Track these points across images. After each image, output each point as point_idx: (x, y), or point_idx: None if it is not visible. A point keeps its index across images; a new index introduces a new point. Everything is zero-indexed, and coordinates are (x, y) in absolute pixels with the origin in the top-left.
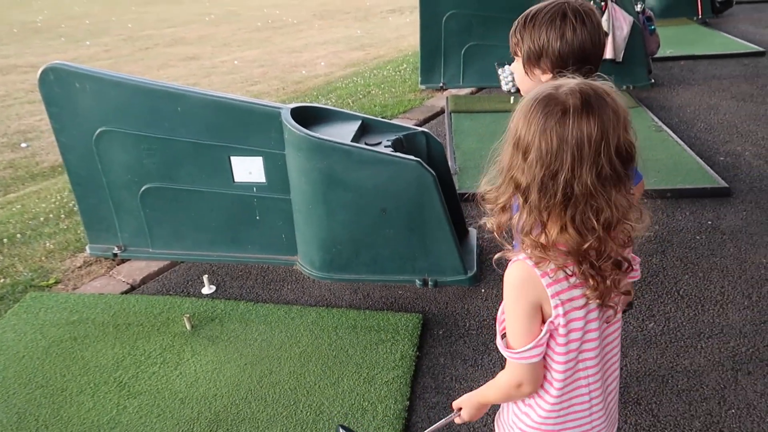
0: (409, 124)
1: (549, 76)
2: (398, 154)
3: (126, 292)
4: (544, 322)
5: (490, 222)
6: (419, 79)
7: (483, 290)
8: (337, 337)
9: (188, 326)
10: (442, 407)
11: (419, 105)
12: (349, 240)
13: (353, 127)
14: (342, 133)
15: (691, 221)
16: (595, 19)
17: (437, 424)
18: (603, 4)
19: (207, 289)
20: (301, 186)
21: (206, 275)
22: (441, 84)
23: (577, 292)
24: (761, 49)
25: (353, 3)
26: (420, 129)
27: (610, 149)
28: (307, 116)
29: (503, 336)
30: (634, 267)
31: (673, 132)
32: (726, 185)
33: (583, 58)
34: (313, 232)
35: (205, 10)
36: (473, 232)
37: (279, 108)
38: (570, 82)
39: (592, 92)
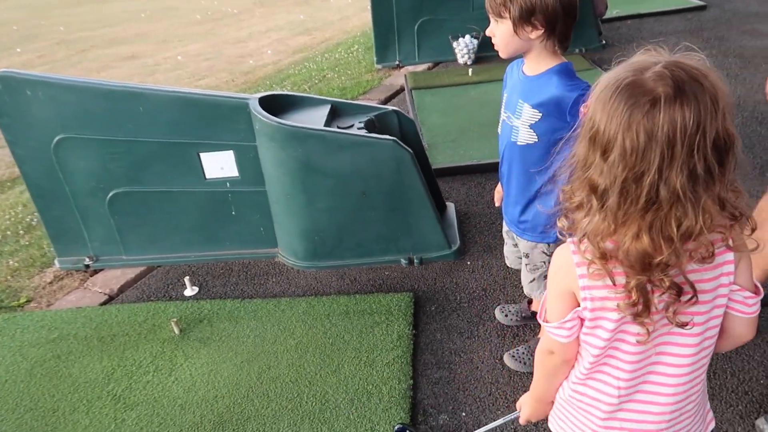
0: (369, 104)
1: (540, 32)
2: (373, 134)
3: (104, 303)
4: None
5: (561, 222)
6: (375, 58)
7: (469, 262)
8: (331, 325)
9: (176, 330)
10: (445, 382)
11: (378, 85)
12: (331, 226)
13: (323, 111)
14: (313, 119)
15: None
16: None
17: (495, 422)
18: None
19: (190, 291)
20: (278, 176)
21: (187, 277)
22: (397, 62)
23: (611, 294)
24: (702, 2)
25: None
26: (391, 108)
27: (706, 144)
28: (275, 105)
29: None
30: (724, 302)
31: None
32: None
33: (573, 12)
34: (294, 222)
35: (138, 6)
36: (451, 206)
37: (246, 99)
38: (655, 61)
39: (685, 75)
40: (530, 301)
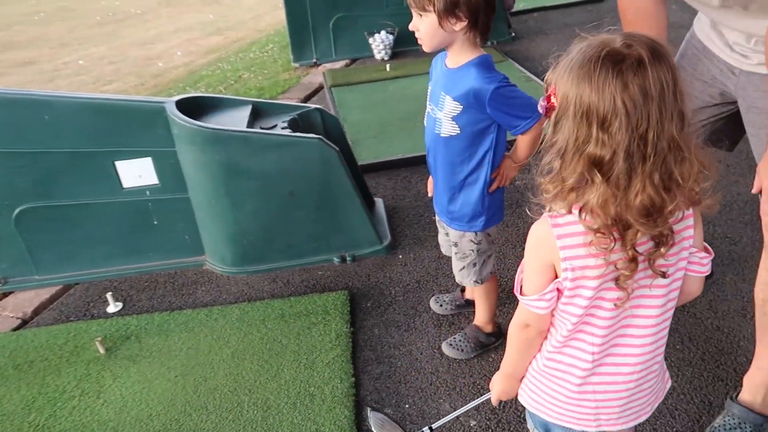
0: (291, 103)
1: (464, 23)
2: (298, 134)
3: (18, 328)
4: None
5: (557, 206)
6: (291, 57)
7: (401, 256)
8: (267, 330)
9: (101, 350)
10: (387, 376)
11: (296, 83)
12: (259, 229)
13: (245, 113)
14: (235, 121)
15: None
16: None
17: (467, 406)
18: None
19: (113, 307)
20: (201, 181)
21: (110, 293)
22: (314, 60)
23: (592, 261)
24: None
25: None
26: (313, 106)
27: (683, 95)
28: (194, 108)
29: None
30: (695, 257)
31: (540, 80)
32: None
33: (493, 3)
34: (220, 227)
35: (30, 8)
36: (380, 201)
37: (162, 102)
38: (612, 37)
39: (648, 41)
40: (463, 290)
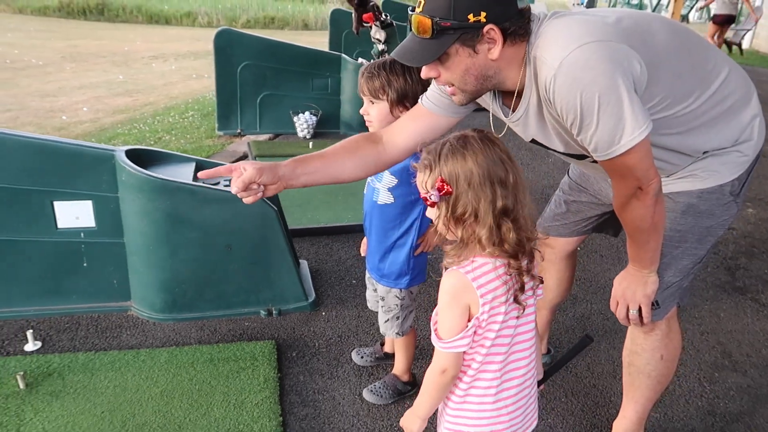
0: None
1: (406, 110)
2: None
3: None
4: (469, 319)
5: (460, 259)
6: (216, 125)
7: (324, 313)
8: (195, 372)
9: (22, 384)
10: (312, 418)
11: (221, 150)
12: (193, 278)
13: (189, 168)
14: (181, 174)
15: None
16: None
17: None
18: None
19: (31, 346)
20: (141, 227)
21: (30, 330)
22: (239, 130)
23: (501, 290)
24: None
25: (108, 47)
26: None
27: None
28: (141, 158)
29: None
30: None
31: None
32: None
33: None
34: (154, 274)
35: None
36: (304, 263)
37: (112, 150)
38: (456, 133)
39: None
40: (383, 344)
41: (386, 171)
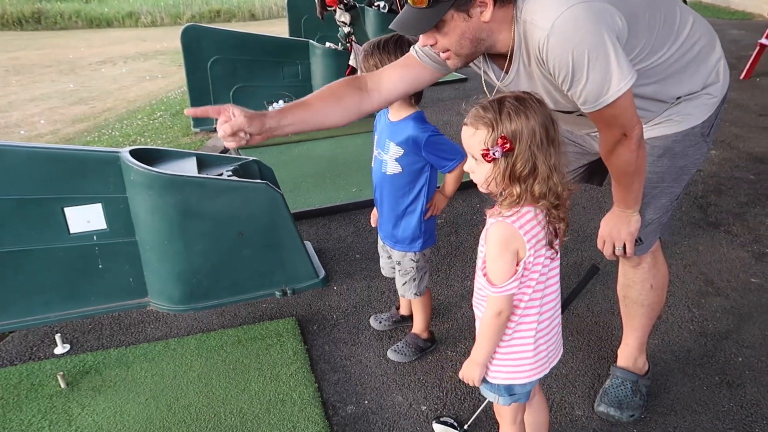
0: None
1: None
2: (246, 179)
3: None
4: (518, 264)
5: (506, 208)
6: (191, 122)
7: (335, 288)
8: (227, 354)
9: (62, 384)
10: (344, 381)
11: (201, 146)
12: (208, 268)
13: (192, 163)
14: (186, 169)
15: (466, 206)
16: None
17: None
18: (348, 45)
19: (61, 349)
20: (153, 223)
21: (58, 334)
22: (215, 126)
23: (541, 234)
24: (464, 76)
25: (51, 56)
26: (250, 158)
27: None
28: (145, 157)
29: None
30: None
31: None
32: None
33: None
34: (170, 268)
35: None
36: (308, 243)
37: (116, 152)
38: (506, 93)
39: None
40: (398, 307)
41: (392, 143)
